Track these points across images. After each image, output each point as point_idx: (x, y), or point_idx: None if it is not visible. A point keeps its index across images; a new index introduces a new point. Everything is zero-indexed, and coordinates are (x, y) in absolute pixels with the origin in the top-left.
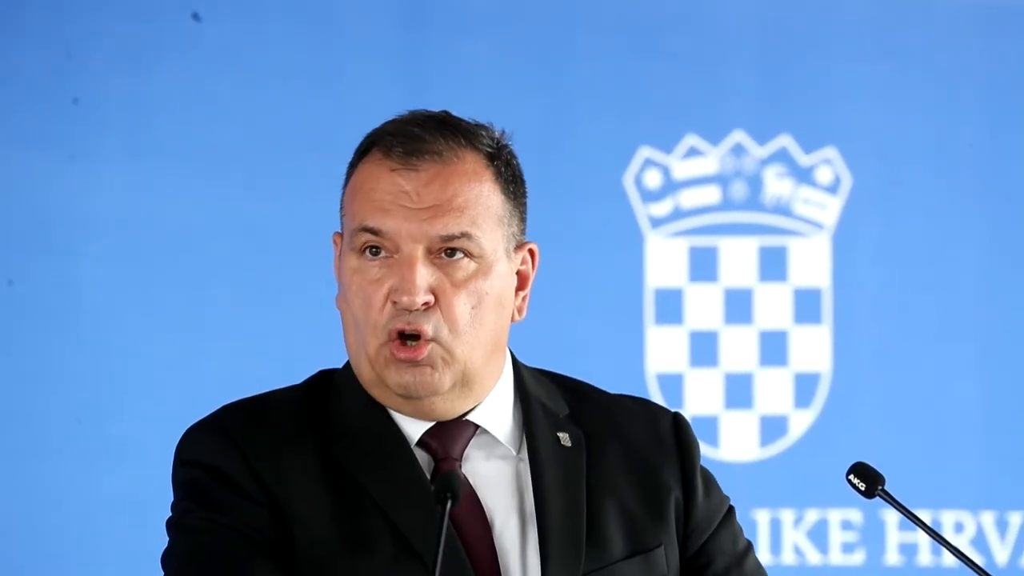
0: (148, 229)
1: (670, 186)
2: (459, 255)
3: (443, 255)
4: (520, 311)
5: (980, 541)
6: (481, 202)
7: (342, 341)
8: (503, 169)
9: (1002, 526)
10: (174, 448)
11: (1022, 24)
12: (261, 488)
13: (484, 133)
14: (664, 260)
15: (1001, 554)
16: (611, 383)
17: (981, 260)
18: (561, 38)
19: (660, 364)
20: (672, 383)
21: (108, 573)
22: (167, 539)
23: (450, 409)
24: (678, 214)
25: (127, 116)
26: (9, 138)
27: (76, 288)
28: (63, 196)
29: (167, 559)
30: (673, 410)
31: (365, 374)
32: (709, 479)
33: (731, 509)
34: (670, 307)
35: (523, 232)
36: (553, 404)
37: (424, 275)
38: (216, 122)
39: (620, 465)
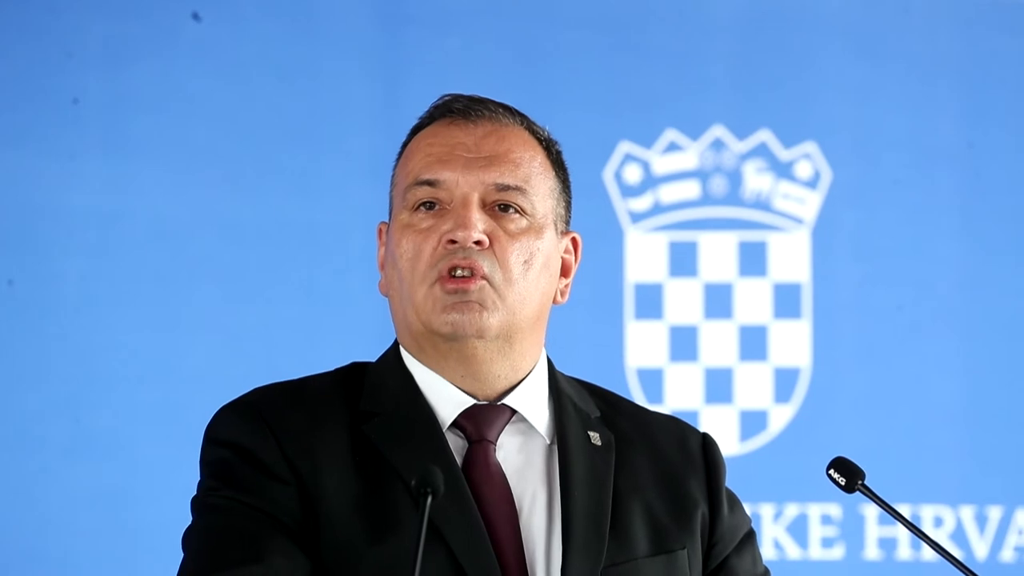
0: (145, 228)
1: (650, 181)
2: (512, 210)
3: (496, 208)
4: (563, 295)
5: (959, 535)
6: (535, 166)
7: (327, 338)
8: (554, 154)
9: (981, 520)
10: (171, 441)
11: (1000, 18)
12: (290, 469)
13: (538, 125)
14: (644, 255)
15: (980, 548)
16: (591, 378)
17: (961, 255)
18: (540, 34)
19: (640, 359)
20: (652, 378)
21: (91, 568)
22: (191, 517)
23: (488, 363)
24: (658, 209)
25: (127, 116)
26: (9, 138)
27: (76, 288)
28: (60, 195)
29: (188, 536)
30: (702, 431)
31: (413, 326)
32: (734, 498)
33: (752, 532)
34: (650, 302)
35: (568, 223)
36: (584, 405)
37: (479, 217)
38: (214, 121)
39: (648, 471)
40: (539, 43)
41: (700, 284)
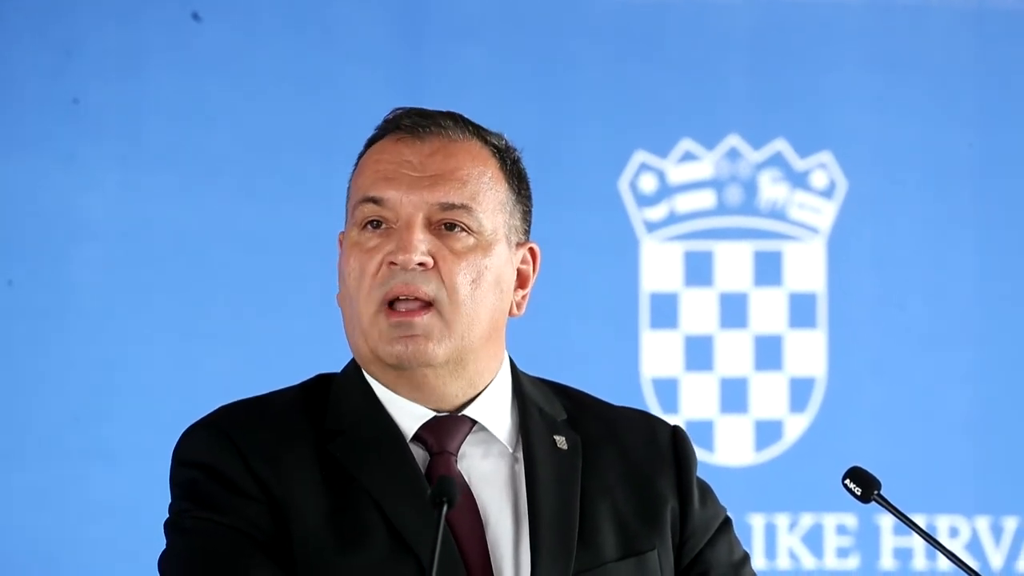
0: (145, 231)
1: (665, 191)
2: (458, 229)
3: (443, 227)
4: (519, 307)
5: (975, 546)
6: (484, 181)
7: (337, 345)
8: (508, 164)
9: (997, 531)
10: (169, 450)
11: (1014, 28)
12: (259, 486)
13: (493, 133)
14: (659, 264)
15: (996, 559)
16: (606, 387)
17: (976, 264)
18: (557, 43)
19: (655, 368)
20: (667, 387)
21: (101, 575)
22: (165, 540)
23: (442, 387)
24: (673, 218)
25: (126, 117)
26: (8, 138)
27: (72, 289)
28: (61, 196)
29: (165, 560)
30: (673, 423)
31: (361, 350)
32: (706, 489)
33: (728, 520)
34: (665, 311)
35: (527, 232)
36: (551, 408)
37: (422, 239)
38: (214, 126)
39: (616, 471)
40: (555, 53)
41: (715, 294)
